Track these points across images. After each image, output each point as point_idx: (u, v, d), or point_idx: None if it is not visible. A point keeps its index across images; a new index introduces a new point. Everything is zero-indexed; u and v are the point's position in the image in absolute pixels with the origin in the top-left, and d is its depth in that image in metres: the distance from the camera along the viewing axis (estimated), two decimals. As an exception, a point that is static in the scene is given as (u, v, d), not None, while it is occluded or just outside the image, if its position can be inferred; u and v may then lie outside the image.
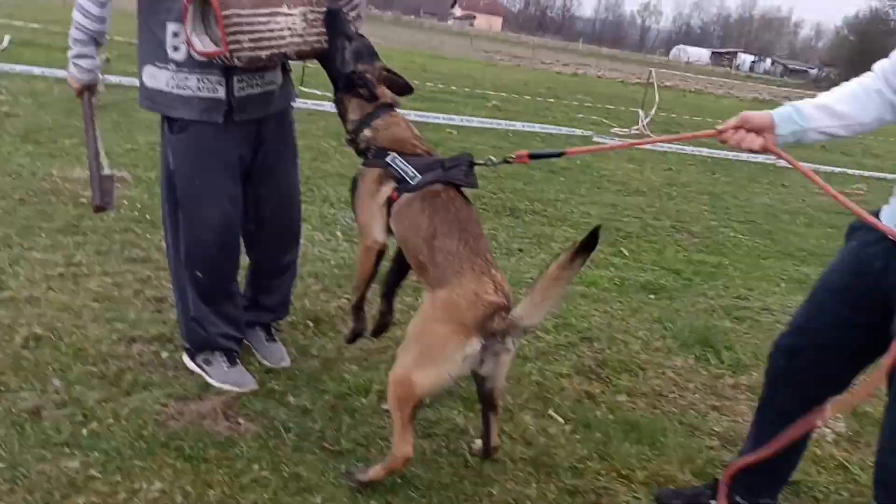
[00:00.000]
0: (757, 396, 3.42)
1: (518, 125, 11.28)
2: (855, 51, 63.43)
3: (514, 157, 2.52)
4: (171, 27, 2.63)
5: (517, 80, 22.16)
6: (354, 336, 2.89)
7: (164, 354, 3.16)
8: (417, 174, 2.48)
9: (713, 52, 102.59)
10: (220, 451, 2.59)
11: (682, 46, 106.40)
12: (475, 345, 2.24)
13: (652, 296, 4.70)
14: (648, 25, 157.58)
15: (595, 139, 11.42)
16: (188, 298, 3.00)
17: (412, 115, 10.37)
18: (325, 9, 2.62)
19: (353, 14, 2.75)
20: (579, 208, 6.80)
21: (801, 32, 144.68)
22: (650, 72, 15.28)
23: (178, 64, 2.66)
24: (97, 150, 2.89)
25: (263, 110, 2.86)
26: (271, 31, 2.47)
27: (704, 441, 3.11)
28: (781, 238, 6.78)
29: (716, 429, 3.20)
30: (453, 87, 15.74)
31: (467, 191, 2.55)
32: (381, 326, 2.89)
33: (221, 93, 2.70)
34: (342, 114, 2.72)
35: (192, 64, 2.63)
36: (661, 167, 9.85)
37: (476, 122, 11.00)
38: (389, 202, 2.52)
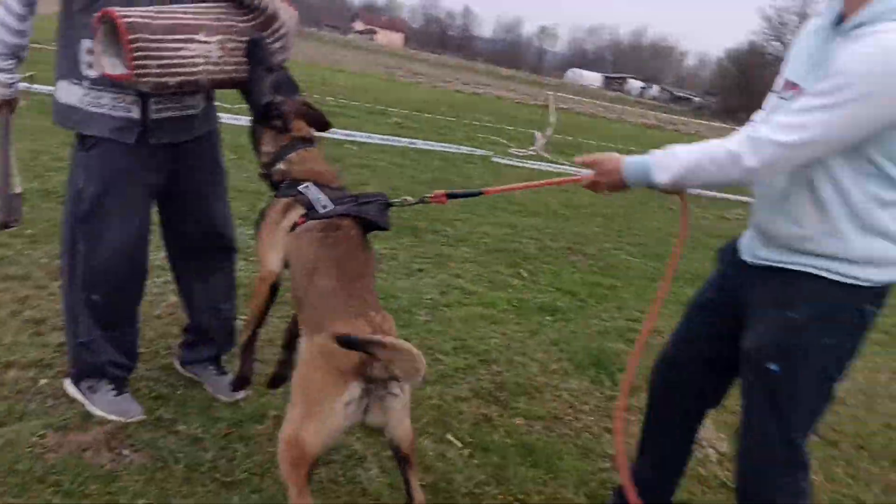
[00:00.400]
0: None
1: (419, 143, 11.32)
2: (734, 81, 67.20)
3: (430, 196, 2.49)
4: (86, 44, 2.52)
5: (418, 97, 22.27)
6: (240, 382, 2.69)
7: (43, 381, 2.97)
8: (330, 203, 2.36)
9: (605, 77, 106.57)
10: (101, 486, 2.45)
11: (576, 70, 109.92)
12: (354, 391, 2.04)
13: (549, 317, 4.78)
14: (545, 48, 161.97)
15: (494, 159, 11.59)
16: (79, 322, 2.82)
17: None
18: (246, 38, 2.54)
19: (277, 45, 2.63)
20: (478, 229, 6.86)
21: (686, 61, 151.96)
22: (549, 95, 15.65)
23: (92, 81, 2.56)
24: (8, 169, 2.78)
25: (182, 135, 2.76)
26: (182, 57, 2.38)
27: (598, 463, 3.17)
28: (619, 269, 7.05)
29: (609, 451, 3.27)
30: (354, 103, 15.65)
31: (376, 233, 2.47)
32: (278, 378, 2.68)
33: (136, 113, 2.60)
34: (256, 145, 2.62)
35: (107, 82, 2.51)
36: (557, 189, 10.07)
37: (377, 138, 10.96)
38: (293, 227, 2.38)
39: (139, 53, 2.29)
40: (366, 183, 7.88)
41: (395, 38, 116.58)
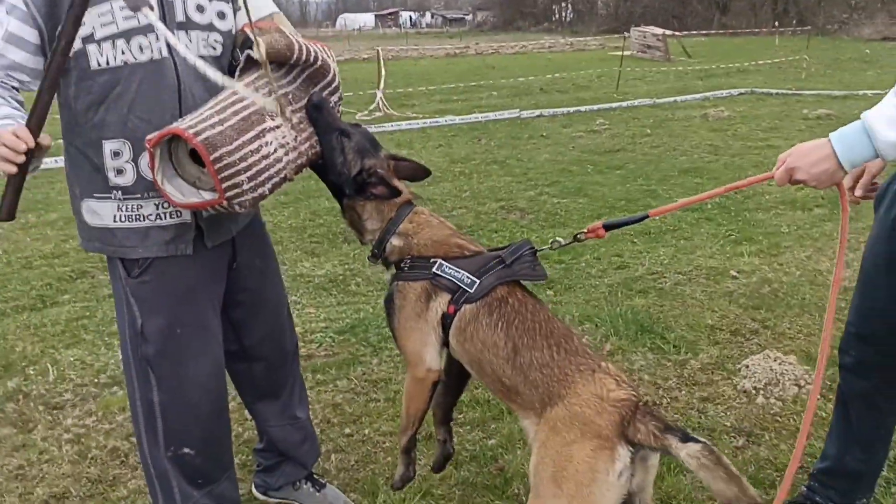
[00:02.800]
0: (725, 373, 3.46)
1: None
2: (503, -8, 68.79)
3: (585, 232, 2.17)
4: (110, 146, 1.93)
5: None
6: (403, 483, 2.35)
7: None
8: (474, 279, 2.04)
9: (376, 16, 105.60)
10: None
11: (346, 15, 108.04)
12: (625, 456, 1.78)
13: (550, 291, 4.52)
14: (306, 0, 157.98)
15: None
16: (173, 489, 2.24)
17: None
18: (304, 102, 2.04)
19: (335, 99, 2.14)
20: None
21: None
22: (377, 50, 15.11)
23: (125, 190, 1.98)
24: None
25: (234, 226, 2.22)
26: (266, 157, 1.88)
27: (728, 440, 2.98)
28: (592, 192, 6.97)
29: (727, 423, 3.09)
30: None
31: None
32: (445, 458, 2.42)
33: (187, 215, 2.03)
34: (356, 226, 2.23)
35: (145, 186, 1.96)
36: (432, 146, 9.75)
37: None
38: (443, 318, 2.06)
39: (228, 172, 1.80)
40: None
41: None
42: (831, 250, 5.07)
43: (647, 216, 2.21)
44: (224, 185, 1.80)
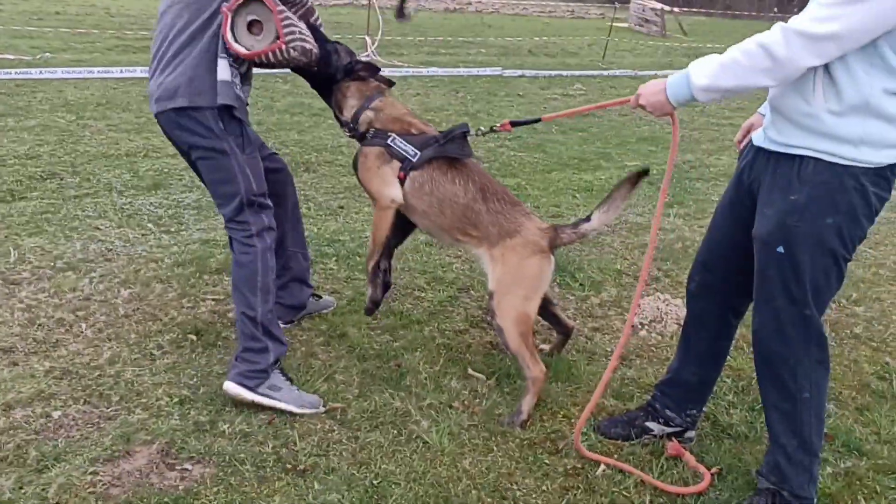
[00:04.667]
0: (619, 309, 3.85)
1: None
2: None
3: (498, 126, 2.92)
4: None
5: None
6: (374, 305, 3.15)
7: (56, 414, 2.72)
8: (417, 151, 2.86)
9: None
10: (188, 508, 2.35)
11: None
12: (553, 260, 2.90)
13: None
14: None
15: (335, 73, 11.24)
16: (260, 301, 2.84)
17: (138, 71, 9.49)
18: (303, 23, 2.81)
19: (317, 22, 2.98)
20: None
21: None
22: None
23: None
24: None
25: None
26: (301, 29, 2.69)
27: (605, 363, 3.38)
28: (550, 150, 7.31)
29: (608, 349, 3.50)
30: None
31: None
32: (385, 286, 3.16)
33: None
34: (339, 104, 3.03)
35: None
36: (410, 94, 10.01)
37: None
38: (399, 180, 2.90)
39: (286, 20, 2.58)
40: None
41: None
42: (749, 218, 5.46)
43: (540, 119, 3.10)
44: (284, 31, 2.55)
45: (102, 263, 3.96)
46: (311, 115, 8.19)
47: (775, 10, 33.63)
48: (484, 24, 24.00)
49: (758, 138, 2.42)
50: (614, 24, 19.18)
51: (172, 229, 4.53)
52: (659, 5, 26.30)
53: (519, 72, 12.60)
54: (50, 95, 8.10)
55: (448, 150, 2.88)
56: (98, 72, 9.48)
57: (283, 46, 2.58)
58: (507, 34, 20.24)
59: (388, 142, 2.89)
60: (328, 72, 2.96)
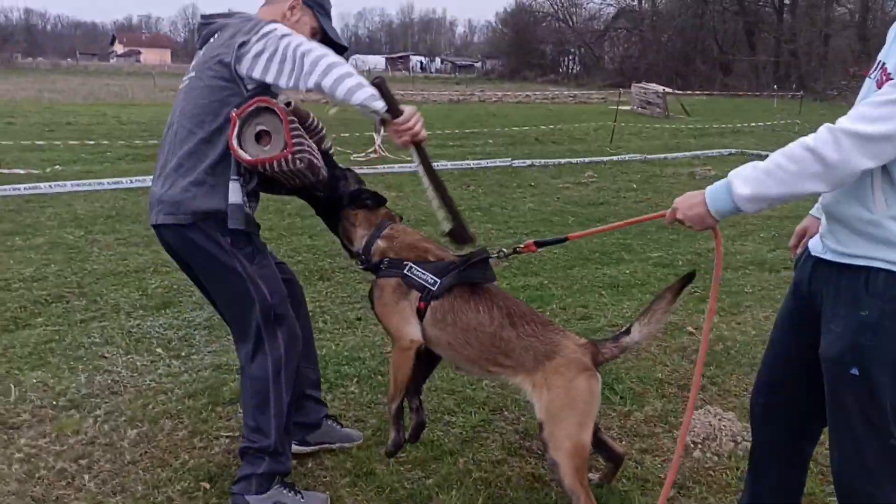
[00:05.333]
0: (667, 425, 3.55)
1: (265, 171, 10.69)
2: (511, 42, 69.83)
3: (522, 247, 2.75)
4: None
5: (225, 117, 21.19)
6: (397, 448, 2.88)
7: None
8: (437, 279, 2.65)
9: (387, 58, 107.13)
10: None
11: (358, 56, 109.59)
12: (599, 377, 2.64)
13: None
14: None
15: (345, 172, 11.20)
16: (280, 431, 2.77)
17: (148, 181, 9.43)
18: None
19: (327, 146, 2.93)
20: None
21: (457, 30, 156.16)
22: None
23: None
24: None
25: None
26: (311, 144, 2.64)
27: (658, 491, 3.06)
28: (569, 243, 7.09)
29: (661, 474, 3.18)
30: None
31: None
32: (419, 425, 2.95)
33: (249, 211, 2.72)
34: (348, 234, 2.90)
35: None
36: (421, 190, 9.88)
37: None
38: (417, 312, 2.68)
39: (296, 131, 2.53)
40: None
41: (163, 56, 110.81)
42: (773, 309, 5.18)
43: (567, 238, 2.79)
44: (293, 141, 2.48)
45: (108, 398, 3.70)
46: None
47: (775, 87, 34.12)
48: (489, 114, 24.32)
49: (815, 247, 2.20)
50: (616, 108, 19.35)
51: (183, 353, 4.29)
52: (660, 88, 26.71)
53: (528, 161, 12.57)
54: (59, 210, 8.01)
55: (469, 276, 2.68)
56: (108, 183, 9.44)
57: (290, 156, 2.50)
58: (512, 123, 20.43)
59: (405, 271, 2.69)
60: (334, 197, 2.87)
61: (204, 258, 2.65)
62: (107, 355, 4.21)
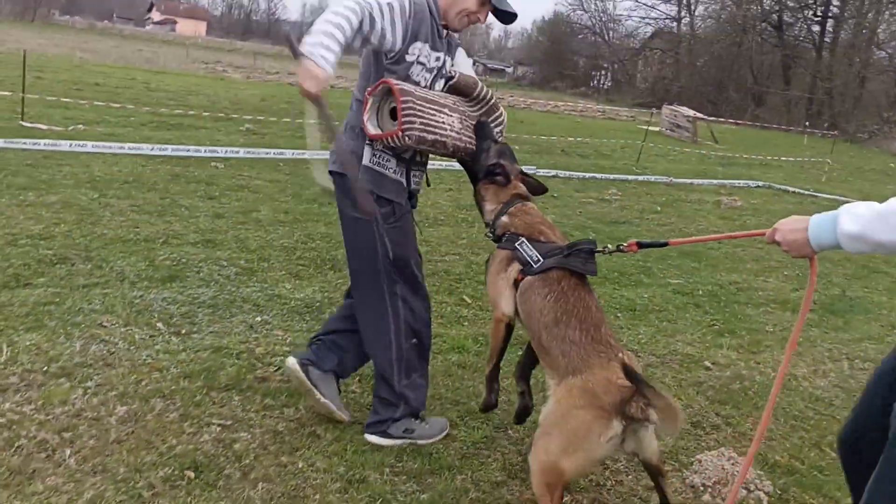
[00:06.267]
0: (676, 464, 3.39)
1: (287, 153, 10.57)
2: (546, 51, 69.53)
3: (625, 246, 2.72)
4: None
5: (254, 95, 21.13)
6: (488, 408, 3.11)
7: None
8: (541, 258, 2.75)
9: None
10: None
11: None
12: (616, 427, 2.40)
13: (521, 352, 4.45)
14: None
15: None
16: (400, 371, 3.17)
17: (169, 150, 9.34)
18: (475, 121, 3.10)
19: (498, 129, 3.16)
20: (395, 250, 6.41)
21: (492, 33, 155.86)
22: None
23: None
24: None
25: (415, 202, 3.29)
26: (437, 121, 2.87)
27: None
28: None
29: None
30: (193, 111, 14.47)
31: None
32: (523, 410, 3.12)
33: (404, 179, 3.07)
34: (480, 204, 3.13)
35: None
36: (442, 189, 9.76)
37: (242, 152, 10.12)
38: (516, 283, 2.82)
39: (408, 111, 2.76)
40: (256, 209, 7.19)
41: (198, 27, 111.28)
42: (811, 357, 5.00)
43: (667, 244, 2.76)
44: (403, 120, 2.75)
45: (101, 370, 3.57)
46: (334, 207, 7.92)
47: (806, 123, 33.77)
48: (517, 121, 24.11)
49: None
50: (645, 126, 19.12)
51: (183, 330, 4.15)
52: (691, 112, 26.44)
53: (553, 172, 12.38)
54: (76, 170, 7.90)
55: (569, 263, 2.71)
56: (128, 148, 9.33)
57: (400, 134, 2.78)
58: (539, 132, 20.22)
59: (517, 244, 2.85)
60: (476, 168, 3.10)
61: (341, 206, 3.15)
62: (105, 324, 4.08)
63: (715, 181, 14.11)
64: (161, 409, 3.29)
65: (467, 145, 3.03)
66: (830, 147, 23.49)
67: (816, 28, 51.68)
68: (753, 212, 10.98)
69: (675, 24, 60.64)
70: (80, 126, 10.85)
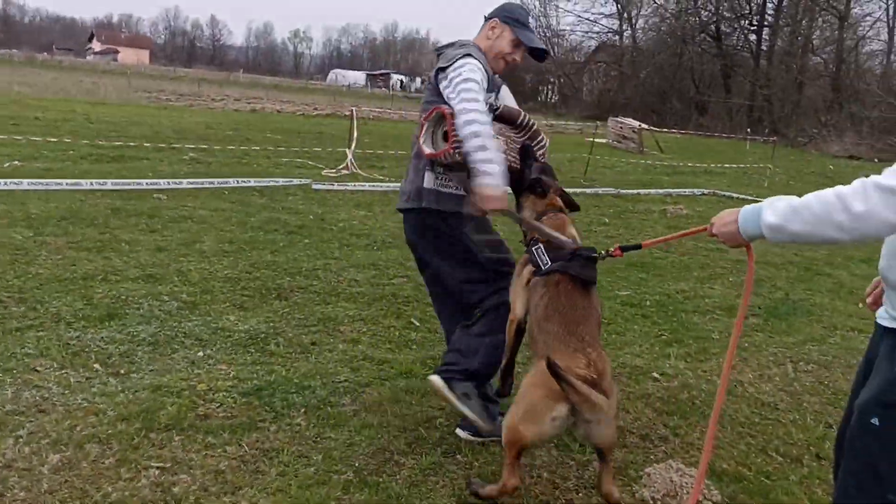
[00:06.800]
0: (626, 478, 3.38)
1: (231, 181, 10.43)
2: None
3: (613, 250, 2.96)
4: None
5: (198, 123, 20.88)
6: (500, 396, 3.43)
7: None
8: (548, 262, 3.01)
9: (368, 75, 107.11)
10: None
11: (338, 70, 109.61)
12: (561, 410, 2.66)
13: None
14: (301, 52, 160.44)
15: (315, 187, 10.98)
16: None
17: (109, 184, 9.15)
18: (519, 144, 3.45)
19: (540, 151, 3.48)
20: (343, 275, 6.36)
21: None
22: (352, 110, 15.23)
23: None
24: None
25: None
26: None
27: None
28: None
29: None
30: (134, 143, 14.23)
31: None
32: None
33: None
34: (520, 211, 3.34)
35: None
36: (390, 211, 9.72)
37: (185, 182, 9.95)
38: (527, 282, 3.10)
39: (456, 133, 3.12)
40: (199, 240, 7.07)
41: (141, 56, 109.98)
42: (756, 362, 5.07)
43: (642, 246, 3.02)
44: (453, 139, 3.09)
45: (34, 417, 3.44)
46: (287, 232, 7.84)
47: (748, 130, 34.58)
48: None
49: (880, 313, 2.22)
50: (592, 140, 19.38)
51: (122, 370, 4.03)
52: (636, 123, 26.89)
53: (501, 188, 12.42)
54: (11, 208, 7.68)
55: (569, 268, 2.96)
56: (66, 183, 9.11)
57: (451, 151, 3.12)
58: (487, 148, 20.33)
59: (533, 248, 3.09)
60: (520, 182, 3.38)
61: (414, 238, 3.72)
62: (39, 369, 3.95)
63: (661, 190, 14.34)
64: (97, 454, 3.18)
65: (511, 164, 3.38)
66: (772, 152, 24.04)
67: (753, 37, 53.23)
68: (699, 219, 11.15)
69: (617, 37, 61.85)
70: (16, 162, 10.58)
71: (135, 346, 4.38)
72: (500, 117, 3.49)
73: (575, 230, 3.27)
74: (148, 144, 14.14)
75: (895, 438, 2.00)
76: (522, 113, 3.53)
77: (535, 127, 3.51)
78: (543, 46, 3.58)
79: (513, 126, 3.51)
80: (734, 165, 21.25)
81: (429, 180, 3.41)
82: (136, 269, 5.93)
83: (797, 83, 46.24)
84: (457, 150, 3.10)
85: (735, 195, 14.49)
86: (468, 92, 3.10)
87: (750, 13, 52.84)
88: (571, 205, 3.45)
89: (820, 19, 48.85)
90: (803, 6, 47.76)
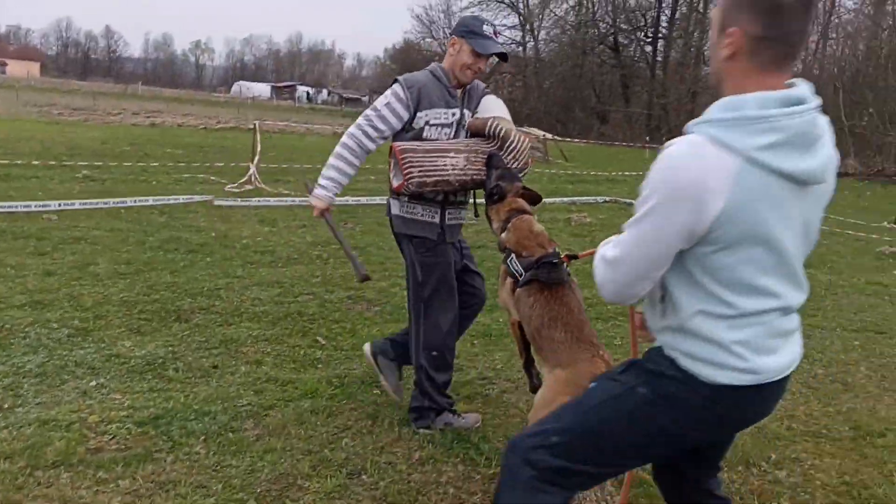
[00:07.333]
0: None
1: (129, 201, 10.04)
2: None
3: (563, 256, 3.07)
4: None
5: (93, 139, 20.07)
6: (534, 390, 3.26)
7: None
8: (523, 271, 3.05)
9: (273, 87, 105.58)
10: None
11: (243, 82, 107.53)
12: None
13: (378, 391, 4.39)
14: (203, 63, 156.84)
15: (217, 202, 10.71)
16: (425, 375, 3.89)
17: (-5, 205, 8.66)
18: (485, 154, 3.53)
19: (509, 157, 3.54)
20: (246, 294, 6.20)
21: (345, 63, 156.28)
22: (255, 123, 14.93)
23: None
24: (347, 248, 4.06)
25: (457, 236, 3.93)
26: (435, 165, 3.45)
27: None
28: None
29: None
30: (22, 160, 13.56)
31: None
32: (535, 390, 3.28)
33: (437, 219, 3.75)
34: (490, 223, 3.43)
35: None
36: (296, 225, 9.58)
37: (78, 203, 9.51)
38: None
39: (407, 164, 3.43)
40: (93, 262, 6.76)
41: (31, 68, 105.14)
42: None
43: (578, 256, 3.16)
44: (403, 172, 3.43)
45: None
46: (188, 251, 7.60)
47: (647, 138, 35.79)
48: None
49: None
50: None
51: (6, 405, 3.80)
52: (541, 133, 27.43)
53: (408, 200, 12.41)
54: None
55: (539, 275, 3.00)
56: (-54, 205, 8.58)
57: (405, 183, 3.45)
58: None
59: (508, 261, 3.13)
60: (486, 197, 3.49)
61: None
62: (-88, 407, 3.68)
63: (566, 199, 14.64)
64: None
65: (473, 178, 3.50)
66: (669, 159, 24.86)
67: (649, 48, 55.14)
68: (601, 226, 11.43)
69: (520, 48, 62.95)
70: None
71: (20, 379, 4.14)
72: (470, 132, 3.68)
73: (531, 237, 3.22)
74: (37, 162, 13.50)
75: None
76: (489, 122, 3.61)
77: (503, 133, 3.57)
78: (500, 50, 3.69)
79: (483, 138, 3.61)
80: (634, 173, 21.90)
81: (395, 207, 3.78)
82: (21, 294, 5.63)
83: (690, 93, 48.17)
84: (408, 182, 3.44)
85: (635, 202, 14.90)
86: (362, 117, 3.66)
87: (645, 25, 54.83)
88: (534, 199, 3.49)
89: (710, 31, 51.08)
90: (695, 19, 49.89)
